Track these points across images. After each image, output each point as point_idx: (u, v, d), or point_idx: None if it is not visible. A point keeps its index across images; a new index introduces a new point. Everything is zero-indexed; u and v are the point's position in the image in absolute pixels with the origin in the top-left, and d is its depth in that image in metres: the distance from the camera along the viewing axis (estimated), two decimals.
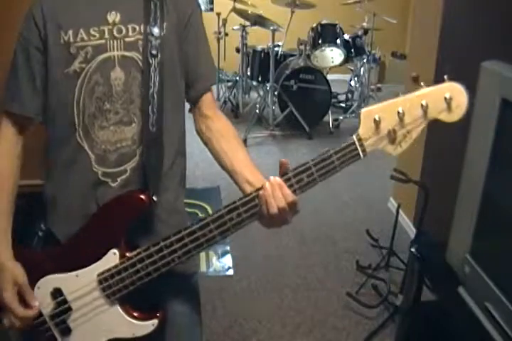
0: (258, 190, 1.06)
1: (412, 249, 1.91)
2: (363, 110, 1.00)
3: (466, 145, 1.62)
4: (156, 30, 1.17)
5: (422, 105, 0.98)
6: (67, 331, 1.18)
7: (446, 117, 0.99)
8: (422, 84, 0.99)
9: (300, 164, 1.03)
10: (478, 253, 1.57)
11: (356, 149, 1.01)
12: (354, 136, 1.01)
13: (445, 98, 0.97)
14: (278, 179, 1.04)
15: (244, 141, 4.71)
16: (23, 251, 1.21)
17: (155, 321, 1.14)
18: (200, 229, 1.07)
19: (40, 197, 1.28)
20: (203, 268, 2.90)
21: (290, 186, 1.04)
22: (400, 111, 0.98)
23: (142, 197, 1.13)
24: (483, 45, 2.25)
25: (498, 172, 1.49)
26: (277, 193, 1.03)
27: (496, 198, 1.52)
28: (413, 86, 1.00)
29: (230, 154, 1.24)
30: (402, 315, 2.25)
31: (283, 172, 1.05)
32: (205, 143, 1.30)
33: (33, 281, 1.18)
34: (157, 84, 1.17)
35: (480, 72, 1.54)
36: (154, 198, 1.16)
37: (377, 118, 0.98)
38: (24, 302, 1.17)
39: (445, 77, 0.98)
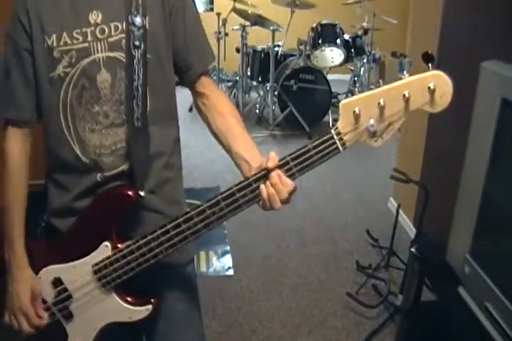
0: (238, 184, 1.06)
1: (412, 249, 1.91)
2: (342, 102, 0.96)
3: (466, 145, 1.62)
4: (138, 20, 1.14)
5: (404, 96, 0.93)
6: (69, 316, 1.25)
7: (429, 108, 0.94)
8: (404, 73, 0.95)
9: (279, 158, 1.03)
10: (478, 253, 1.57)
11: (335, 143, 0.99)
12: (332, 130, 0.99)
13: (429, 88, 0.92)
14: (279, 173, 1.03)
15: None
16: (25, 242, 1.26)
17: (149, 307, 1.21)
18: (184, 222, 1.10)
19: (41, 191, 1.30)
20: (203, 268, 2.90)
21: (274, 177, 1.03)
22: (381, 103, 0.94)
23: (129, 193, 1.16)
24: (483, 45, 2.25)
25: (498, 173, 1.49)
26: (279, 187, 1.03)
27: (496, 198, 1.52)
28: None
29: (226, 132, 1.23)
30: (402, 315, 2.25)
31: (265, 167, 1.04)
32: (204, 120, 1.29)
33: (34, 271, 1.24)
34: (141, 76, 1.15)
35: (480, 72, 1.54)
36: (142, 194, 1.18)
37: (356, 111, 0.95)
38: (35, 310, 1.24)
39: (429, 65, 0.94)
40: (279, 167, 1.03)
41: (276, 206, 1.05)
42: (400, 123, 0.97)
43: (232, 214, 1.09)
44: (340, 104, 0.97)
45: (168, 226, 1.11)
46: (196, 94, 1.30)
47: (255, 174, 1.06)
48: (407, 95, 0.93)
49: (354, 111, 0.96)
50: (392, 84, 0.95)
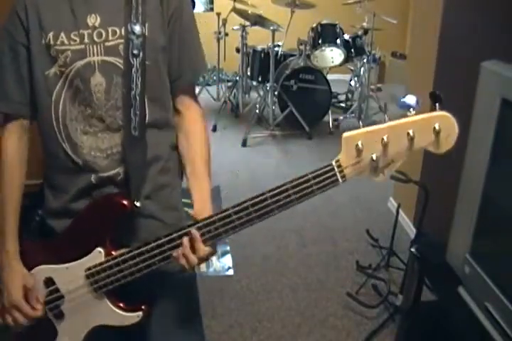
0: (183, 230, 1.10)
1: (412, 249, 1.91)
2: (345, 135, 0.95)
3: (466, 145, 1.62)
4: (137, 28, 1.14)
5: (408, 134, 0.92)
6: (60, 315, 1.24)
7: (433, 148, 0.93)
8: (411, 110, 0.94)
9: (278, 185, 1.03)
10: (478, 253, 1.57)
11: (335, 175, 0.99)
12: (333, 162, 0.99)
13: (434, 128, 0.91)
14: (193, 236, 1.09)
15: (244, 141, 4.72)
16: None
17: (139, 313, 1.21)
18: (179, 237, 1.11)
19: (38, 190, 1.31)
20: (202, 268, 2.89)
21: (267, 206, 1.04)
22: (385, 140, 0.92)
23: (124, 202, 1.16)
24: (483, 45, 2.25)
25: (498, 173, 1.49)
26: (190, 256, 1.09)
27: (496, 198, 1.52)
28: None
29: (188, 167, 1.25)
30: (402, 315, 2.25)
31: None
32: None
33: (26, 269, 1.24)
34: (139, 85, 1.14)
35: (480, 72, 1.54)
36: (137, 204, 1.17)
37: (359, 146, 0.94)
38: (29, 304, 1.23)
39: (437, 105, 0.92)
40: (277, 194, 1.03)
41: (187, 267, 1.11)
42: (404, 160, 0.96)
43: (221, 238, 1.10)
44: (343, 137, 0.96)
45: (163, 240, 1.11)
46: (174, 109, 1.29)
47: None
48: (411, 134, 0.92)
49: (357, 145, 0.95)
50: (397, 120, 0.93)
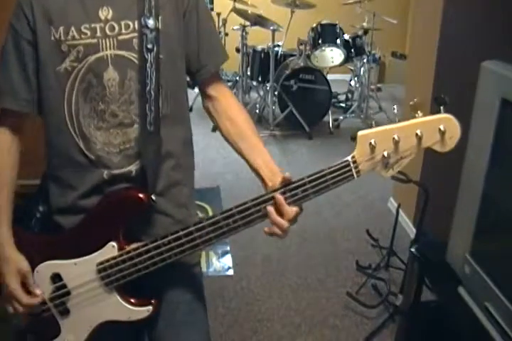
0: (255, 199, 1.09)
1: (412, 249, 1.91)
2: (360, 133, 1.03)
3: (466, 145, 1.62)
4: (150, 22, 1.13)
5: (416, 134, 1.01)
6: (65, 312, 1.23)
7: (439, 147, 1.03)
8: (418, 112, 1.02)
9: (296, 179, 1.08)
10: (478, 253, 1.57)
11: (351, 170, 1.05)
12: (349, 158, 1.05)
13: (439, 129, 1.00)
14: (280, 197, 1.08)
15: None
16: (23, 235, 1.26)
17: (150, 308, 1.20)
18: (196, 230, 1.11)
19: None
20: (203, 268, 2.89)
21: (284, 200, 1.08)
22: (396, 138, 1.01)
23: (141, 196, 1.15)
24: (483, 45, 2.25)
25: (498, 173, 1.49)
26: (278, 219, 1.09)
27: (496, 198, 1.52)
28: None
29: (241, 143, 1.25)
30: (402, 315, 2.25)
31: (282, 184, 1.09)
32: (214, 123, 1.30)
33: (31, 265, 1.23)
34: (154, 80, 1.13)
35: (480, 72, 1.54)
36: (153, 197, 1.17)
37: (373, 143, 1.02)
38: (27, 290, 1.22)
39: (441, 108, 1.01)
40: (295, 188, 1.07)
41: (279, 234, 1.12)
42: (412, 157, 1.05)
43: (245, 227, 1.10)
44: (358, 135, 1.04)
45: (181, 233, 1.11)
46: (206, 97, 1.29)
47: (275, 190, 1.10)
48: (419, 134, 1.01)
49: (370, 143, 1.03)
50: (406, 121, 1.03)
